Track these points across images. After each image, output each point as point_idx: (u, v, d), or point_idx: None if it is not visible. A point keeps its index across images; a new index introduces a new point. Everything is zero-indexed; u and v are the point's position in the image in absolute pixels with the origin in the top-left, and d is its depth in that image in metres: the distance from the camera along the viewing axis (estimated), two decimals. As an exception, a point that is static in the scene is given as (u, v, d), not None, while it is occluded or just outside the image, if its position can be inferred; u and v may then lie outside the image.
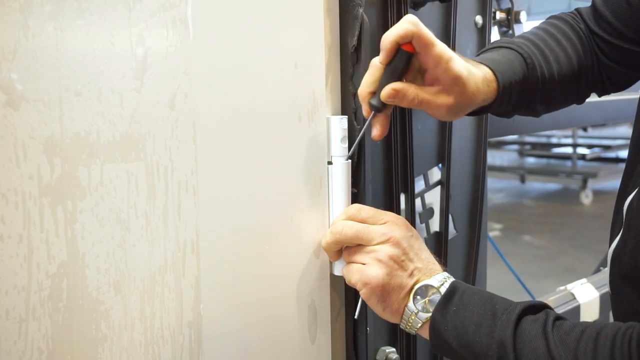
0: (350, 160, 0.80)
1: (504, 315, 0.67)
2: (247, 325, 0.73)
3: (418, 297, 0.72)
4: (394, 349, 0.88)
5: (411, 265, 0.72)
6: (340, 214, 0.77)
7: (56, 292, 0.58)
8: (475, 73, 0.75)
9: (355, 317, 0.80)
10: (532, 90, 0.81)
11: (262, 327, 0.75)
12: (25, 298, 0.56)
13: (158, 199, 0.64)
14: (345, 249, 0.76)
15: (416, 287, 0.72)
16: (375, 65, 0.73)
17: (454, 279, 0.73)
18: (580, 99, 0.89)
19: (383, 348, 0.88)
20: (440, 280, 0.72)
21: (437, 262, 0.75)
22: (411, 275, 0.72)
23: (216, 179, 0.69)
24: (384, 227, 0.73)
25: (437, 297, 0.71)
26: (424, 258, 0.74)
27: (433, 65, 0.71)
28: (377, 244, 0.72)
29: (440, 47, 0.71)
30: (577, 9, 0.89)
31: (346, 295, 0.86)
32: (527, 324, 0.66)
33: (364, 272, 0.72)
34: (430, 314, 0.71)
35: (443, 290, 0.71)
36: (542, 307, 0.69)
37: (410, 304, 0.72)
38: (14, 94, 0.54)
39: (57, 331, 0.59)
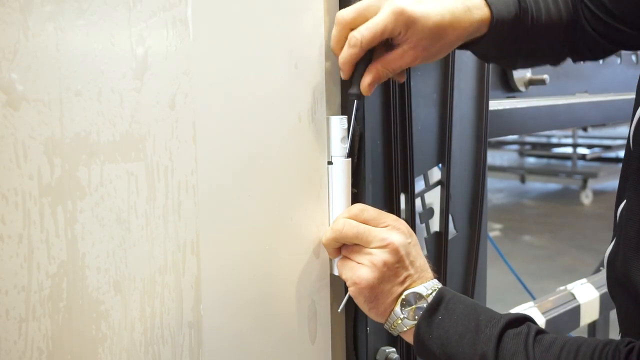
0: (350, 159, 0.80)
1: (487, 329, 0.68)
2: (247, 325, 0.73)
3: (406, 304, 0.72)
4: (394, 349, 0.88)
5: (404, 272, 0.73)
6: (343, 212, 0.77)
7: (56, 292, 0.58)
8: (453, 8, 0.74)
9: (339, 310, 0.80)
10: (520, 36, 0.80)
11: (262, 327, 0.75)
12: (25, 298, 0.56)
13: (158, 199, 0.65)
14: (344, 245, 0.76)
15: (405, 294, 0.72)
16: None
17: (441, 287, 0.74)
18: (558, 59, 0.88)
19: (383, 348, 0.88)
20: (429, 288, 0.73)
21: (429, 269, 0.75)
22: (402, 282, 0.73)
23: (216, 179, 0.69)
24: (385, 231, 0.73)
25: (424, 305, 0.72)
26: (418, 266, 0.74)
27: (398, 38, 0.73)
28: (375, 247, 0.72)
29: (393, 23, 0.71)
30: None
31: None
32: (508, 339, 0.66)
33: (356, 271, 0.72)
34: (415, 322, 0.72)
35: (431, 299, 0.72)
36: (523, 320, 0.69)
37: (397, 309, 0.72)
38: (14, 94, 0.54)
39: (57, 331, 0.59)
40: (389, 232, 0.73)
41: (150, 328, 0.65)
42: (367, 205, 0.76)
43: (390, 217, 0.75)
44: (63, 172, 0.58)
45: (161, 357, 0.66)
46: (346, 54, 0.74)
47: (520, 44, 0.81)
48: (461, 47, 0.80)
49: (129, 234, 0.63)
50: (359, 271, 0.72)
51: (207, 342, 0.69)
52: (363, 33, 0.72)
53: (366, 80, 0.74)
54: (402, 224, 0.75)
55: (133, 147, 0.62)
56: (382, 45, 0.75)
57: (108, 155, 0.61)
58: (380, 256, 0.72)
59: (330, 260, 0.81)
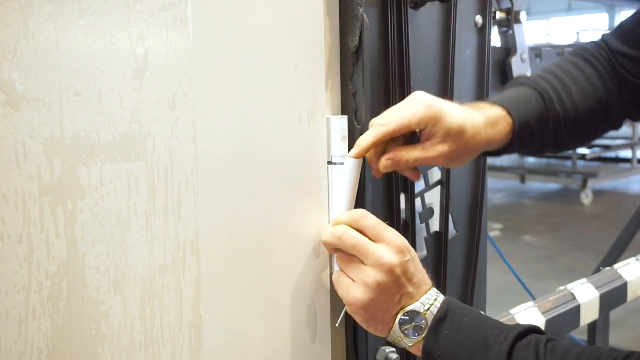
0: (361, 160, 0.77)
1: (496, 345, 0.67)
2: (247, 325, 0.73)
3: (404, 322, 0.72)
4: (394, 349, 0.88)
5: (400, 291, 0.72)
6: (344, 214, 0.76)
7: (56, 292, 0.58)
8: (474, 118, 0.76)
9: (337, 325, 0.80)
10: (555, 125, 0.80)
11: (262, 327, 0.75)
12: (26, 298, 0.56)
13: (158, 199, 0.64)
14: (340, 253, 0.75)
15: (402, 313, 0.72)
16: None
17: (444, 298, 0.73)
18: (616, 126, 0.88)
19: (383, 348, 0.88)
20: (426, 303, 0.72)
21: (428, 281, 0.74)
22: (399, 301, 0.72)
23: (216, 179, 0.69)
24: (381, 250, 0.71)
25: (423, 323, 0.71)
26: (416, 282, 0.73)
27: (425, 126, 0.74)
28: (370, 265, 0.71)
29: (421, 114, 0.72)
30: (602, 37, 0.90)
31: (346, 295, 0.86)
32: (518, 353, 0.66)
33: (350, 292, 0.72)
34: (417, 338, 0.71)
35: (430, 315, 0.71)
36: (530, 332, 0.69)
37: (396, 328, 0.72)
38: (14, 94, 0.54)
39: (57, 331, 0.59)
40: (385, 251, 0.71)
41: (150, 328, 0.65)
42: (368, 213, 0.75)
43: (389, 233, 0.73)
44: (63, 172, 0.58)
45: (161, 357, 0.66)
46: (369, 134, 0.73)
47: (560, 132, 0.81)
48: (492, 154, 0.81)
49: (129, 234, 0.63)
50: (353, 292, 0.71)
51: (207, 342, 0.69)
52: (392, 117, 0.73)
53: (386, 155, 0.75)
54: (400, 242, 0.72)
55: (133, 147, 0.62)
56: (405, 140, 0.76)
57: (108, 155, 0.61)
58: (375, 277, 0.70)
59: (330, 260, 0.81)
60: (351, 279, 0.73)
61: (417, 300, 0.72)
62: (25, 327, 0.57)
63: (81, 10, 0.58)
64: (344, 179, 0.77)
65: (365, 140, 0.74)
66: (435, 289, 0.74)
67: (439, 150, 0.74)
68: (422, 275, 0.74)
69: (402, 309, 0.72)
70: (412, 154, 0.75)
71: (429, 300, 0.72)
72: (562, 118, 0.80)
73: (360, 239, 0.72)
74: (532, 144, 0.81)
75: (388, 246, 0.72)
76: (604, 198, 7.00)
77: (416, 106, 0.73)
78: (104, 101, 0.60)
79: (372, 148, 0.74)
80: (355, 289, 0.72)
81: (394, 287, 0.71)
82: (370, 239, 0.73)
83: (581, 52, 0.88)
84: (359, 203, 0.81)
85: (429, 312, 0.71)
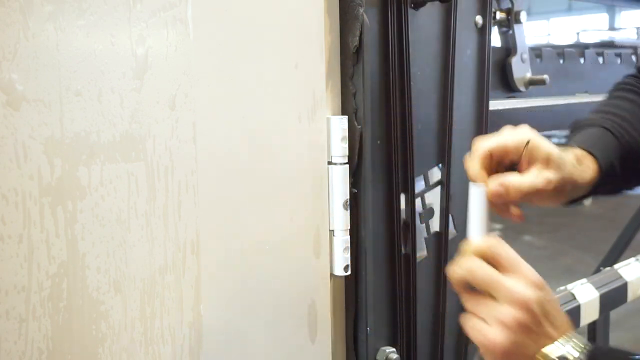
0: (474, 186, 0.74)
1: None
2: (247, 325, 0.73)
3: None
4: (394, 349, 0.88)
5: (543, 333, 0.64)
6: (475, 241, 0.69)
7: (56, 292, 0.58)
8: (564, 153, 0.74)
9: None
10: (634, 162, 0.80)
11: (262, 326, 0.75)
12: (26, 298, 0.56)
13: (158, 199, 0.65)
14: (469, 291, 0.67)
15: (546, 358, 0.63)
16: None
17: (591, 347, 0.64)
18: None
19: (383, 348, 0.88)
20: (579, 350, 0.63)
21: (570, 325, 0.66)
22: (540, 343, 0.63)
23: (216, 179, 0.69)
24: (518, 285, 0.64)
25: None
26: (559, 325, 0.65)
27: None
28: (503, 301, 0.63)
29: (521, 135, 0.71)
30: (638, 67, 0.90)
31: (346, 295, 0.86)
32: None
33: (486, 334, 0.63)
34: None
35: None
36: None
37: None
38: (14, 94, 0.54)
39: (57, 331, 0.59)
40: (522, 286, 0.64)
41: (150, 328, 0.65)
42: (505, 244, 0.68)
43: (524, 267, 0.66)
44: (63, 172, 0.58)
45: (161, 357, 0.66)
46: (472, 155, 0.72)
47: (634, 176, 0.81)
48: (571, 201, 0.80)
49: (129, 234, 0.63)
50: (489, 334, 0.63)
51: (207, 342, 0.69)
52: (490, 138, 0.72)
53: (493, 185, 0.71)
54: (536, 278, 0.65)
55: (133, 147, 0.62)
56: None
57: (108, 155, 0.61)
58: (512, 315, 0.63)
59: (330, 260, 0.81)
60: (482, 319, 0.65)
61: (563, 344, 0.64)
62: (25, 327, 0.57)
63: (81, 10, 0.58)
64: (471, 205, 0.73)
65: (471, 164, 0.72)
66: (577, 334, 0.66)
67: (546, 176, 0.71)
68: (563, 316, 0.66)
69: (543, 353, 0.63)
70: (521, 180, 0.71)
71: (578, 346, 0.64)
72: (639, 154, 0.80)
73: (494, 276, 0.65)
74: (613, 185, 0.80)
75: (523, 282, 0.64)
76: (603, 198, 7.00)
77: (513, 131, 0.72)
78: (104, 101, 0.60)
79: (481, 169, 0.72)
80: (491, 331, 0.63)
81: (535, 326, 0.63)
82: (502, 269, 0.66)
83: (625, 86, 0.88)
84: (359, 203, 0.81)
85: (577, 359, 0.63)
